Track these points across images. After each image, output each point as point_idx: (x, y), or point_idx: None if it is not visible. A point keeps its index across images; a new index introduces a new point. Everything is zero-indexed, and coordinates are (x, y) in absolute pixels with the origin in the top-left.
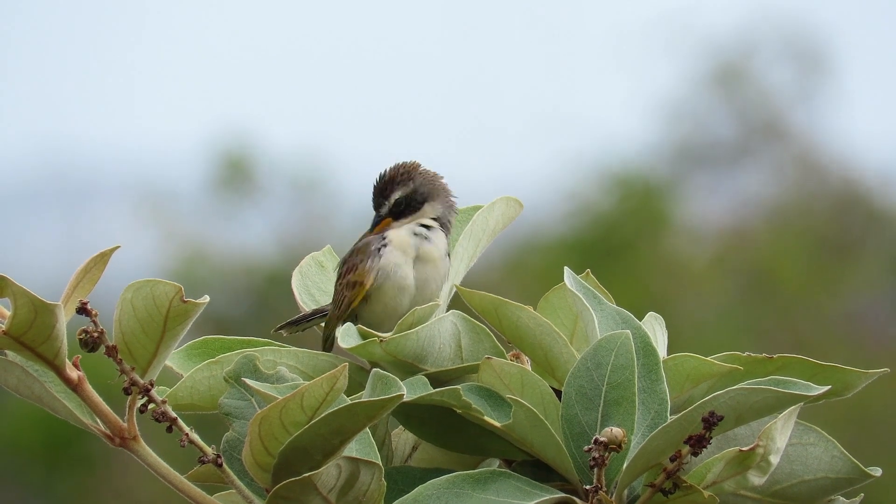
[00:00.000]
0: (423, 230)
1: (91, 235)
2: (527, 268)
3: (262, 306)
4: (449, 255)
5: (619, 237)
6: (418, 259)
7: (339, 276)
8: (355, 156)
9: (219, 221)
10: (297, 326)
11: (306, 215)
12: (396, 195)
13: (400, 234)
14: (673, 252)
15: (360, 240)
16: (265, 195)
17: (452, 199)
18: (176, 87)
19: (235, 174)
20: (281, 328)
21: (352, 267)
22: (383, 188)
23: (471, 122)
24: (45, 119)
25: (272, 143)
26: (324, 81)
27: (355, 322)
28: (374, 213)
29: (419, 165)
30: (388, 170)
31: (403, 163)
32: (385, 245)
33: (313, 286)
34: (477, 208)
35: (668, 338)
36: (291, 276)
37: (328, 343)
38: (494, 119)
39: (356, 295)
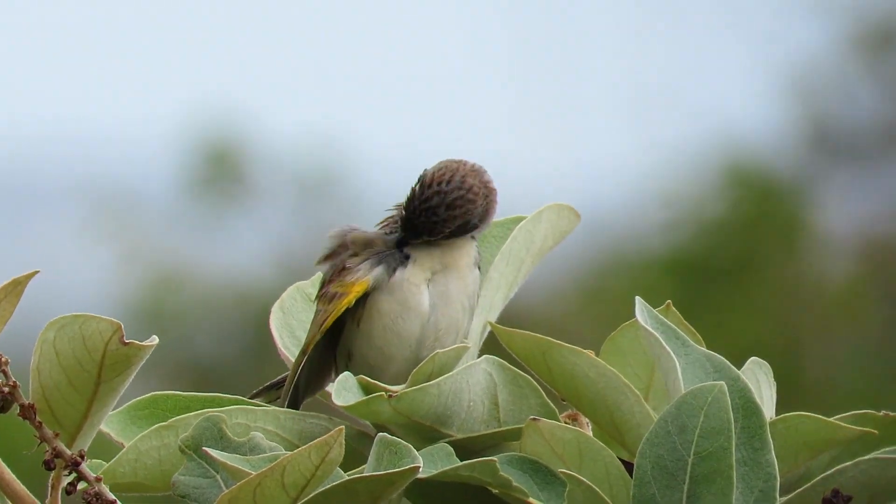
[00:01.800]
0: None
1: (24, 256)
2: (609, 297)
3: (259, 348)
4: (479, 267)
5: (732, 254)
6: (436, 271)
7: (321, 286)
8: (380, 146)
9: (199, 235)
10: (279, 390)
11: (315, 226)
12: (456, 224)
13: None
14: (804, 273)
15: (361, 234)
16: (261, 199)
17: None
18: (142, 55)
19: (221, 171)
20: (258, 394)
21: (340, 270)
22: (443, 210)
23: (533, 103)
24: None
25: (270, 130)
26: (339, 46)
27: (349, 364)
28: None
29: (485, 173)
30: (448, 180)
31: (468, 172)
32: (407, 257)
33: (299, 327)
34: (517, 220)
35: (787, 389)
36: (270, 314)
37: (291, 395)
38: (566, 98)
39: (334, 309)
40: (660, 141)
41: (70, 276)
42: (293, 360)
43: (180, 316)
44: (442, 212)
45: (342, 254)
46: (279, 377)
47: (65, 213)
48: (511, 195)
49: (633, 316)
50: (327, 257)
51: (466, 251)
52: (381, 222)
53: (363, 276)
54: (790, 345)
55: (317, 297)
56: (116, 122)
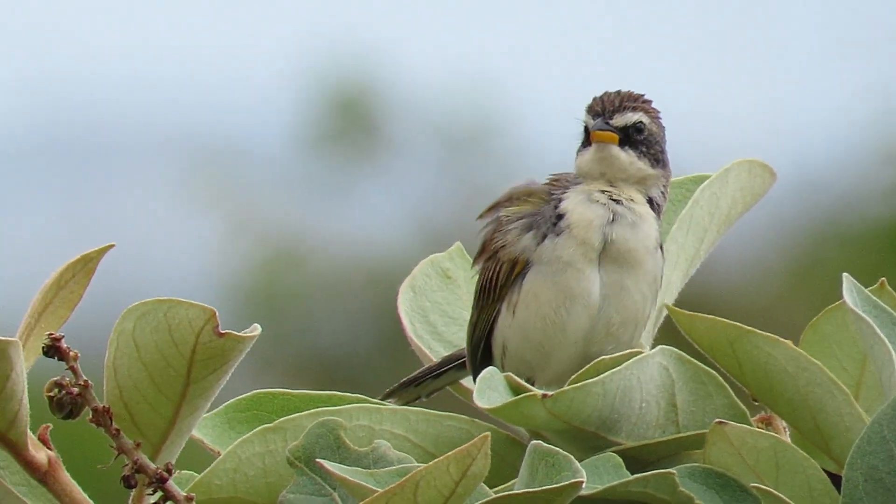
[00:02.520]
0: (622, 203)
1: (107, 225)
2: (822, 275)
3: (398, 338)
4: (662, 249)
5: None
6: (605, 255)
7: (482, 245)
8: (543, 92)
9: (323, 200)
10: (419, 388)
11: (464, 188)
12: (637, 118)
13: (583, 203)
14: None
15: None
16: (398, 157)
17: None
18: None
19: (350, 122)
20: (390, 394)
21: (497, 228)
22: (623, 100)
23: (720, 39)
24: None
25: (409, 71)
26: None
27: (503, 360)
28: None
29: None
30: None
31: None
32: (559, 218)
33: (434, 309)
34: (699, 180)
35: None
36: (398, 294)
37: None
38: (762, 33)
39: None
40: (881, 85)
41: (163, 250)
42: (427, 352)
43: (299, 299)
44: (616, 99)
45: (496, 211)
46: (418, 372)
47: (157, 174)
48: (691, 151)
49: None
50: (490, 209)
51: (646, 230)
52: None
53: (513, 246)
54: None
55: (477, 255)
56: (221, 61)
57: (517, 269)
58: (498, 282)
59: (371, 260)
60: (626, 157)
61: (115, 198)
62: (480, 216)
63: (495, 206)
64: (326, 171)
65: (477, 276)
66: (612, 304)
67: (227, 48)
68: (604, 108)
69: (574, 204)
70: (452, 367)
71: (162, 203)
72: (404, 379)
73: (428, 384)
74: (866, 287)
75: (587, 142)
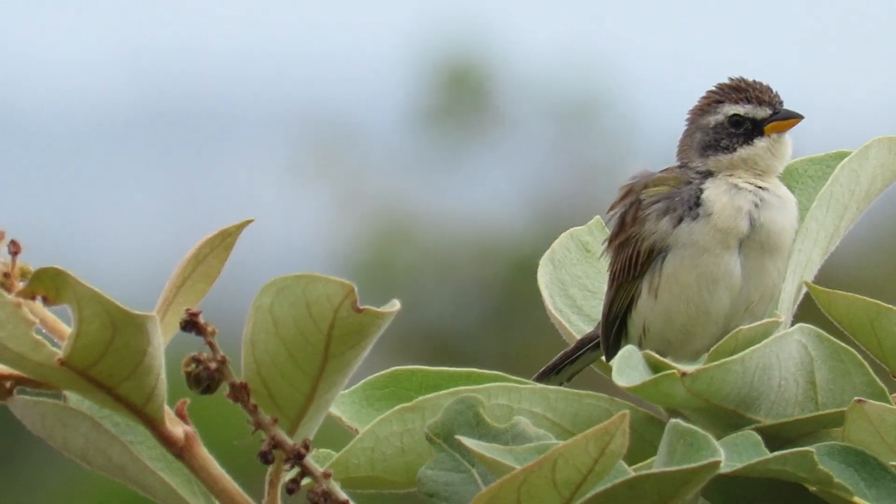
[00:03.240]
0: (768, 190)
1: (216, 198)
2: None
3: (506, 315)
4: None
5: None
6: (750, 239)
7: (620, 225)
8: (654, 71)
9: (434, 174)
10: (559, 376)
11: (577, 163)
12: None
13: (728, 192)
14: None
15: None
16: (510, 131)
17: None
18: None
19: (461, 97)
20: (544, 375)
21: (635, 207)
22: (774, 90)
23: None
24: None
25: (522, 46)
26: None
27: (643, 340)
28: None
29: None
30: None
31: None
32: (697, 204)
33: (573, 283)
34: (839, 157)
35: None
36: (538, 268)
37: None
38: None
39: (640, 256)
40: None
41: (273, 224)
42: (567, 326)
43: (410, 274)
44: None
45: (633, 194)
46: (555, 359)
47: (269, 147)
48: (825, 127)
49: None
50: (622, 199)
51: (789, 214)
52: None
53: (651, 228)
54: None
55: (613, 235)
56: (332, 35)
57: (656, 251)
58: (638, 261)
59: (480, 235)
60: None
61: (226, 171)
62: (612, 208)
63: (626, 195)
64: (437, 146)
65: (610, 256)
66: (752, 284)
67: (340, 23)
68: (771, 99)
69: (718, 193)
70: (587, 349)
71: (274, 177)
72: (543, 368)
73: (566, 370)
74: None
75: (753, 133)
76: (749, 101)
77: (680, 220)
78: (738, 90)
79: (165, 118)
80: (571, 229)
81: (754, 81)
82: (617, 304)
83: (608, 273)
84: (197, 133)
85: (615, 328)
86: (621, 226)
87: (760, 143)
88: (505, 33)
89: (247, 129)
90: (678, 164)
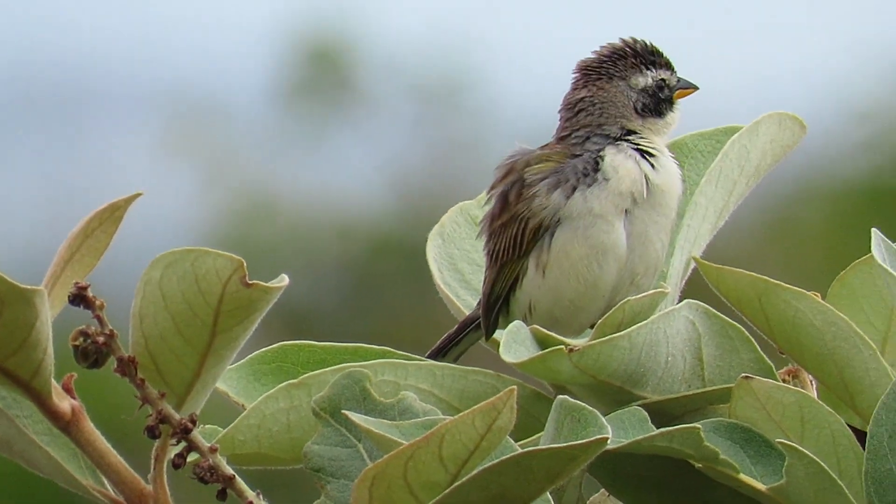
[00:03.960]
0: (660, 152)
1: (94, 176)
2: (797, 232)
3: (367, 291)
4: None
5: None
6: (642, 206)
7: (502, 204)
8: (515, 49)
9: (296, 152)
10: (445, 359)
11: (438, 143)
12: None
13: (624, 156)
14: None
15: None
16: (372, 110)
17: None
18: None
19: (323, 75)
20: (436, 353)
21: (519, 186)
22: (638, 51)
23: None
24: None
25: (383, 24)
26: None
27: (529, 318)
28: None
29: None
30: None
31: None
32: (595, 171)
33: (462, 257)
34: (731, 131)
35: None
36: (427, 242)
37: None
38: None
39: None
40: (859, 39)
41: (141, 201)
42: (455, 300)
43: (271, 252)
44: (654, 51)
45: (515, 172)
46: (439, 342)
47: (135, 126)
48: (695, 109)
49: (843, 256)
50: (502, 179)
51: (675, 176)
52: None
53: (541, 203)
54: None
55: (496, 216)
56: (197, 14)
57: (544, 227)
58: (524, 240)
59: (342, 213)
60: (644, 137)
61: (91, 148)
62: (491, 188)
63: (507, 174)
64: (300, 124)
65: (488, 237)
66: (637, 254)
67: (206, 3)
68: (668, 62)
69: (621, 158)
70: (470, 330)
71: (138, 154)
72: (429, 352)
73: (451, 352)
74: (837, 245)
75: (670, 99)
76: (666, 67)
77: (573, 190)
78: (655, 54)
79: (29, 95)
80: (461, 203)
81: (645, 42)
82: (500, 283)
83: (485, 253)
84: (62, 111)
85: (497, 308)
86: (504, 205)
87: (677, 109)
88: (368, 11)
89: (111, 106)
90: (558, 137)
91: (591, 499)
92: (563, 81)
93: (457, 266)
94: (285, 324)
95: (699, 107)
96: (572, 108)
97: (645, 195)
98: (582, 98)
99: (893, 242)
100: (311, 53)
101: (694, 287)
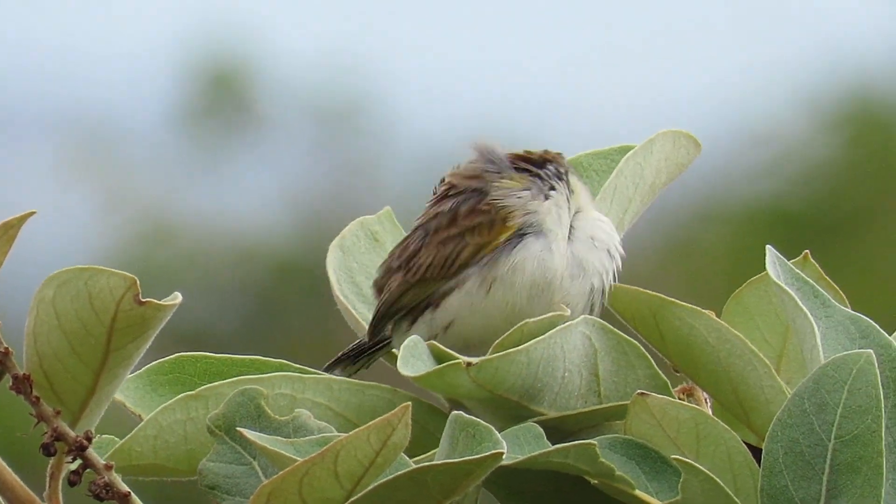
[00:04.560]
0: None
1: None
2: (696, 253)
3: (267, 314)
4: None
5: (848, 203)
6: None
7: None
8: (418, 69)
9: (195, 176)
10: (361, 361)
11: (337, 165)
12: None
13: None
14: None
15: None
16: (271, 133)
17: None
18: None
19: (223, 99)
20: (332, 366)
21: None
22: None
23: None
24: None
25: (282, 48)
26: None
27: (443, 337)
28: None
29: None
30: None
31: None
32: (552, 193)
33: (360, 271)
34: (626, 150)
35: None
36: (327, 255)
37: (372, 344)
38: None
39: (484, 244)
40: (758, 62)
41: (37, 224)
42: (353, 312)
43: (170, 275)
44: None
45: (485, 175)
46: (356, 343)
47: (33, 149)
48: (593, 128)
49: (739, 275)
50: (456, 192)
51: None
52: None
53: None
54: None
55: (432, 231)
56: (95, 37)
57: (502, 243)
58: (459, 259)
59: (242, 236)
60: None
61: None
62: (441, 197)
63: (470, 179)
64: (199, 148)
65: (416, 246)
66: (574, 281)
67: (102, 23)
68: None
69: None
70: (369, 352)
71: (36, 177)
72: (326, 365)
73: (348, 369)
74: (738, 266)
75: None
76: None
77: (545, 200)
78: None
79: None
80: (361, 217)
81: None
82: (409, 297)
83: (400, 259)
84: None
85: (393, 318)
86: (453, 219)
87: None
88: (267, 34)
89: (9, 128)
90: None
91: None
92: (458, 102)
93: (355, 279)
94: (187, 347)
95: (598, 128)
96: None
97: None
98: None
99: (799, 258)
100: (208, 77)
101: None
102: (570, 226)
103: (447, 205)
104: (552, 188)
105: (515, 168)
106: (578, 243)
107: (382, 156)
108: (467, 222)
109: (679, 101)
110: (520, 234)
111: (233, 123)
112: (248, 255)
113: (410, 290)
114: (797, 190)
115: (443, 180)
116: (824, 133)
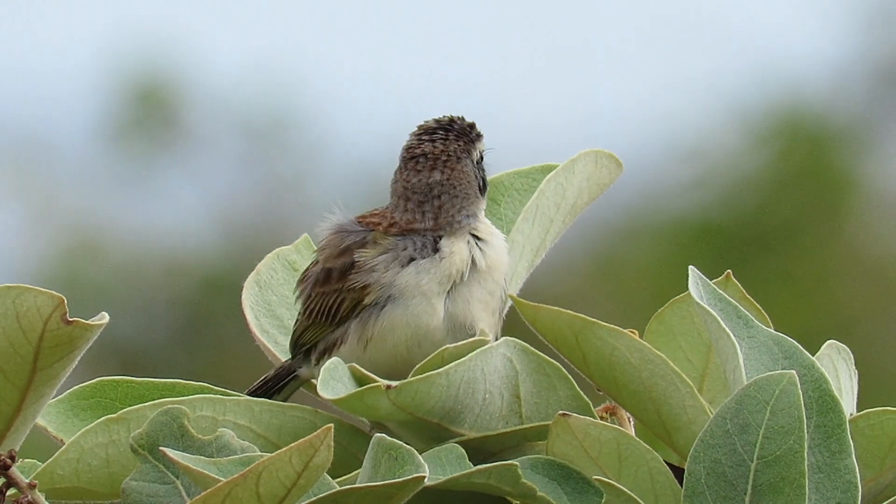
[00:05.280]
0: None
1: None
2: (625, 269)
3: (195, 331)
4: None
5: (776, 216)
6: (465, 281)
7: (326, 274)
8: (346, 85)
9: (123, 191)
10: (279, 391)
11: (266, 180)
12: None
13: (458, 241)
14: (863, 243)
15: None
16: (200, 148)
17: None
18: None
19: (150, 113)
20: (255, 392)
21: (352, 264)
22: (468, 128)
23: (530, 32)
24: None
25: (211, 63)
26: None
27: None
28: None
29: None
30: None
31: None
32: (438, 251)
33: (280, 303)
34: (548, 169)
35: (861, 382)
36: (242, 288)
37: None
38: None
39: (359, 299)
40: (684, 79)
41: None
42: (272, 349)
43: (99, 290)
44: (464, 130)
45: (349, 254)
46: (271, 372)
47: None
48: (518, 145)
49: (665, 293)
50: (330, 257)
51: (501, 248)
52: (370, 214)
53: (377, 280)
54: (842, 327)
55: (313, 282)
56: (20, 51)
57: (373, 303)
58: (339, 313)
59: (170, 251)
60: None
61: None
62: (324, 260)
63: (339, 254)
64: (128, 163)
65: (307, 293)
66: (457, 336)
67: (28, 39)
68: (480, 134)
69: (457, 243)
70: (290, 379)
71: None
72: (248, 390)
73: (285, 388)
74: (664, 282)
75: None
76: (480, 139)
77: (407, 265)
78: (473, 128)
79: None
80: (278, 249)
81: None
82: (308, 335)
83: (300, 301)
84: None
85: (304, 348)
86: (327, 278)
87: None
88: (196, 49)
89: None
90: (403, 213)
91: None
92: (387, 120)
93: (275, 312)
94: (117, 361)
95: (525, 143)
96: (428, 193)
97: (466, 277)
98: (439, 182)
99: (721, 278)
100: (137, 92)
101: (512, 324)
102: (452, 275)
103: (330, 265)
104: (421, 247)
105: (371, 229)
106: (457, 296)
107: (311, 171)
108: (339, 285)
109: (608, 115)
110: (386, 297)
111: (161, 138)
112: (177, 270)
113: (308, 330)
114: (725, 203)
115: (316, 262)
116: (753, 147)
